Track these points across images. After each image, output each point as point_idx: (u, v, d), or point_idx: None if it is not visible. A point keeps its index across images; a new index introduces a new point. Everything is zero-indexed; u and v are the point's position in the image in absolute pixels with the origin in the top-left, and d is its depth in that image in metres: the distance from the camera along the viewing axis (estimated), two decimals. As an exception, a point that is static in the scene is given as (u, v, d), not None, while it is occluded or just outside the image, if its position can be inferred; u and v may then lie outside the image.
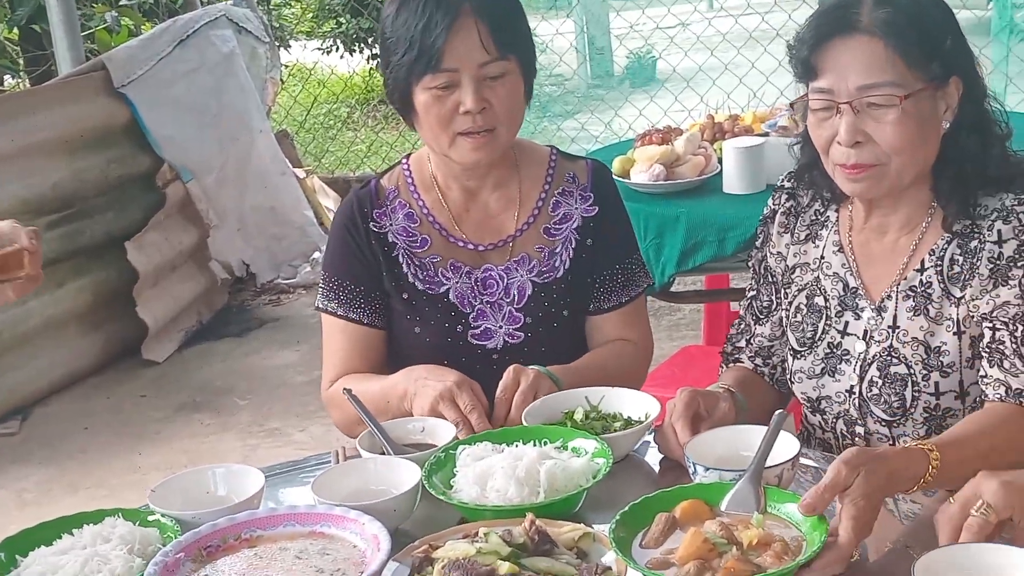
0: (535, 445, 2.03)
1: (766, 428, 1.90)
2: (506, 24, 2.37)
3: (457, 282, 2.50)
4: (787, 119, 4.04)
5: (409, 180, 2.57)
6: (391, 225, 2.53)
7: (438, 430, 2.18)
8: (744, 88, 6.42)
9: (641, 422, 2.16)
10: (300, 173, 7.40)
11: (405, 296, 2.51)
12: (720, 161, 3.83)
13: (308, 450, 4.99)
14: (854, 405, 2.22)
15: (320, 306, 2.58)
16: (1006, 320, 2.06)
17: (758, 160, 3.72)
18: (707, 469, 1.88)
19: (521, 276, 2.51)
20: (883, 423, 2.18)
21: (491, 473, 1.94)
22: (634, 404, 2.21)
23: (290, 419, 5.36)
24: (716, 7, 12.12)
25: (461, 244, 2.52)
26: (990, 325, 2.07)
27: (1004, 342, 2.05)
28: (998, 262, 2.07)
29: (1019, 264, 2.06)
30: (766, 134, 3.99)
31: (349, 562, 1.78)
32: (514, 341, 2.50)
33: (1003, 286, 2.06)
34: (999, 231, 2.08)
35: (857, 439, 2.23)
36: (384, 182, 2.58)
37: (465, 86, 2.33)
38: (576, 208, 2.54)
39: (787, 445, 1.90)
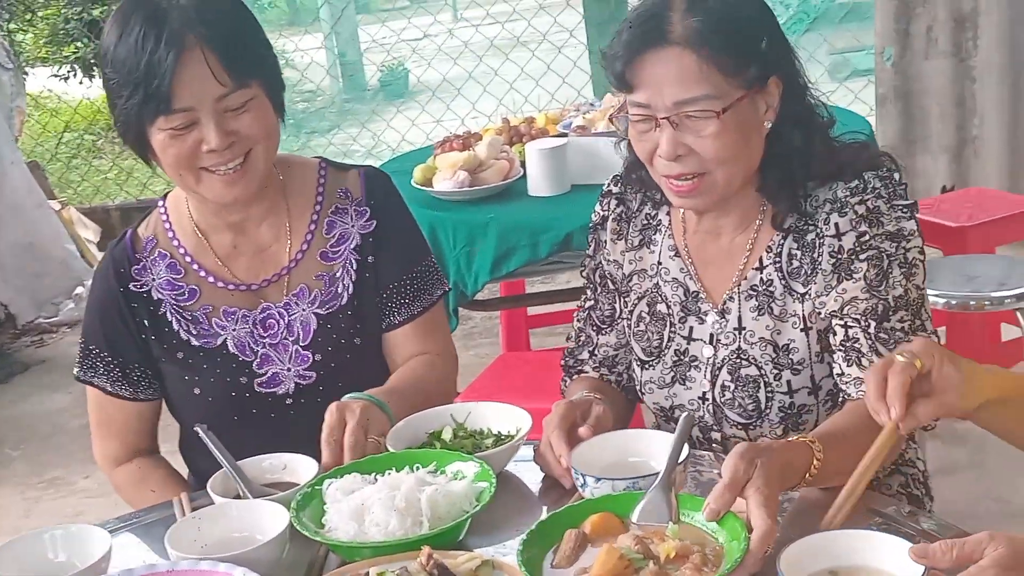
0: (409, 471, 1.88)
1: (651, 432, 1.82)
2: (239, 49, 2.14)
3: (234, 329, 2.29)
4: (581, 119, 4.02)
5: (167, 225, 2.34)
6: (154, 280, 2.30)
7: (297, 467, 2.00)
8: (515, 93, 6.47)
9: (512, 436, 2.03)
10: (55, 205, 7.00)
11: (180, 355, 2.29)
12: (523, 164, 3.77)
13: (96, 497, 4.70)
14: (708, 411, 2.15)
15: (80, 377, 2.35)
16: (857, 316, 2.00)
17: (561, 161, 3.68)
18: (597, 480, 1.78)
19: (303, 310, 2.30)
20: (739, 427, 2.12)
21: (368, 506, 1.78)
22: (502, 418, 2.08)
23: (72, 466, 5.01)
24: (460, 19, 12.27)
25: (232, 287, 2.30)
26: (841, 323, 2.02)
27: (859, 339, 2.00)
28: (839, 256, 2.02)
29: (861, 257, 2.00)
30: (564, 134, 3.95)
31: (229, 622, 1.61)
32: (306, 382, 2.30)
33: (848, 280, 2.01)
34: (836, 224, 2.02)
35: (714, 445, 2.16)
36: (141, 231, 2.35)
37: (205, 124, 2.10)
38: (352, 226, 2.34)
39: (675, 447, 1.82)
